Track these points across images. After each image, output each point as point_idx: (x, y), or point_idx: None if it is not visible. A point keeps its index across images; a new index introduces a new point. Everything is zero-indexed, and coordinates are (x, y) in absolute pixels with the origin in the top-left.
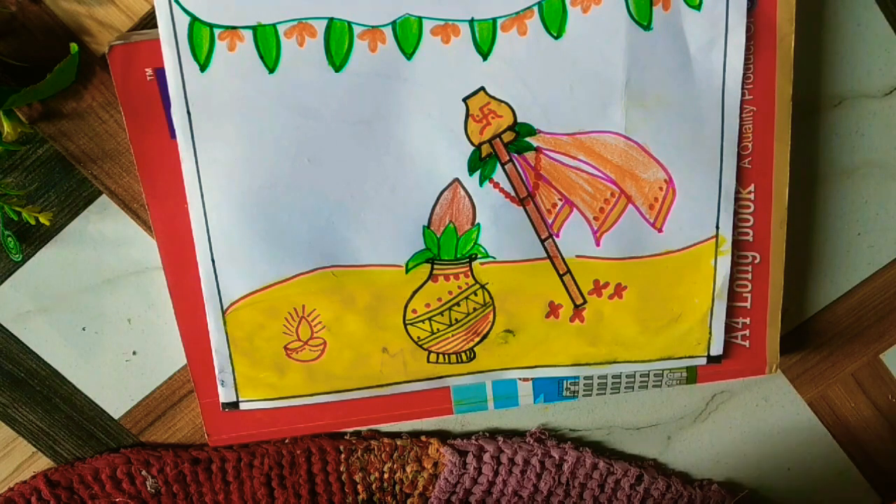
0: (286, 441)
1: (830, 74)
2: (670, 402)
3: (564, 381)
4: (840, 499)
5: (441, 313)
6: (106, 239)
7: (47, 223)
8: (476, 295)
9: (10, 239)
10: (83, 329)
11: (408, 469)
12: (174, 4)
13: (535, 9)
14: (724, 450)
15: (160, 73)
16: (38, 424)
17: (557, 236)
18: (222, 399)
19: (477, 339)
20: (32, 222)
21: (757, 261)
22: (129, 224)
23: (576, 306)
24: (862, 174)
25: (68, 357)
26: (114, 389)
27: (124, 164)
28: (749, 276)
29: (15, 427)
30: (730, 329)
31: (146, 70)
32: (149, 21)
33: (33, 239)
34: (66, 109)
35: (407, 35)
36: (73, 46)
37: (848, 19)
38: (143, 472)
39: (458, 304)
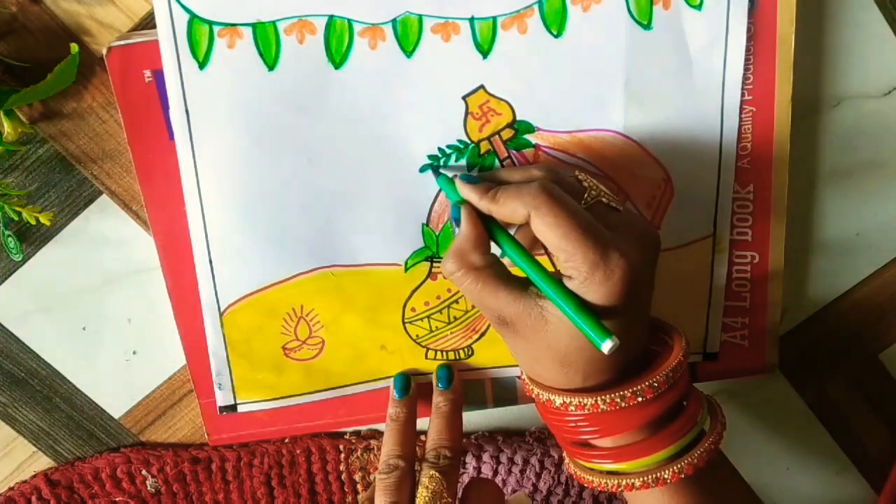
0: (286, 440)
1: (829, 75)
2: None
3: None
4: (839, 498)
5: (440, 311)
6: (106, 239)
7: (48, 223)
8: None
9: (10, 239)
10: (83, 329)
11: None
12: (173, 1)
13: (536, 7)
14: (724, 449)
15: (159, 75)
16: (39, 424)
17: None
18: (219, 402)
19: (475, 337)
20: (33, 222)
21: (756, 260)
22: (129, 224)
23: None
24: (861, 174)
25: (68, 357)
26: (114, 389)
27: (124, 164)
28: (748, 275)
29: (15, 426)
30: (729, 329)
31: (144, 72)
32: (149, 21)
33: (34, 239)
34: (66, 109)
35: (407, 33)
36: (74, 46)
37: (847, 20)
38: (143, 472)
39: (456, 301)
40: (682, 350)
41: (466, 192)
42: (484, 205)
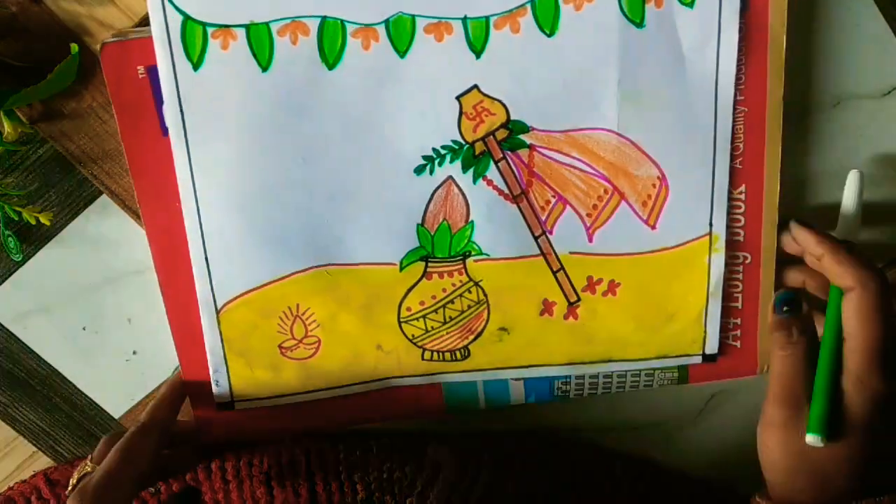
0: (285, 440)
1: (828, 75)
2: (670, 402)
3: (556, 381)
4: None
5: (435, 311)
6: (106, 239)
7: (48, 223)
8: (470, 292)
9: (10, 239)
10: (83, 329)
11: (407, 468)
12: (167, 3)
13: (528, 6)
14: (723, 449)
15: (152, 71)
16: (39, 424)
17: (551, 233)
18: (217, 399)
19: (471, 337)
20: (33, 222)
21: (748, 261)
22: (129, 224)
23: (570, 304)
24: None
25: (68, 357)
26: (114, 389)
27: (124, 164)
28: (740, 276)
29: (15, 426)
30: (721, 328)
31: (138, 68)
32: (148, 21)
33: (34, 239)
34: (66, 109)
35: (400, 33)
36: (74, 46)
37: (846, 20)
38: None
39: (452, 301)
40: None
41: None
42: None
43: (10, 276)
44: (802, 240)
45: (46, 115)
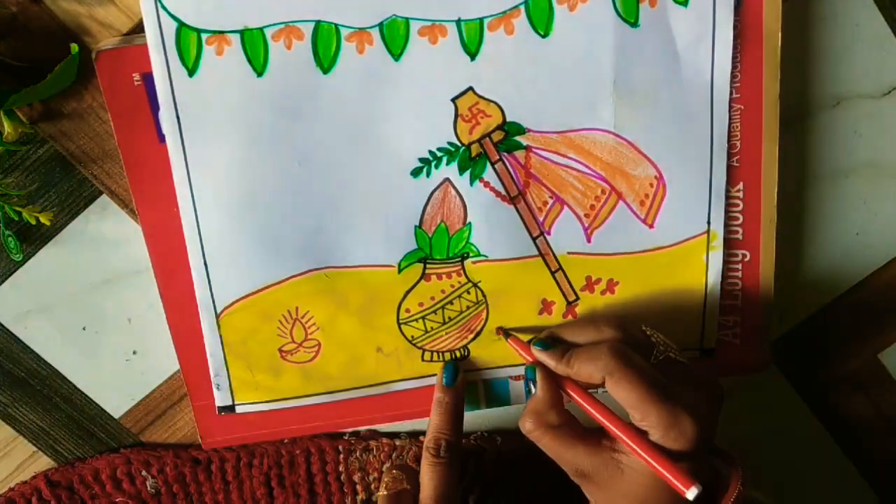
0: (285, 441)
1: (828, 75)
2: None
3: None
4: (839, 499)
5: (434, 312)
6: (106, 239)
7: (48, 223)
8: (469, 293)
9: (10, 239)
10: (83, 329)
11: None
12: (161, 10)
13: (522, 8)
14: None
15: (147, 78)
16: (39, 424)
17: (549, 234)
18: (218, 403)
19: (470, 337)
20: (33, 222)
21: (747, 259)
22: (129, 224)
23: (568, 303)
24: (860, 174)
25: (68, 357)
26: (114, 389)
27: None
28: (739, 273)
29: (15, 426)
30: (721, 327)
31: (133, 75)
32: (143, 27)
33: (34, 239)
34: (66, 109)
35: (394, 36)
36: (74, 46)
37: (846, 20)
38: (144, 473)
39: (450, 302)
40: (739, 482)
41: (543, 357)
42: (560, 369)
43: (10, 276)
44: (544, 361)
45: (46, 115)
